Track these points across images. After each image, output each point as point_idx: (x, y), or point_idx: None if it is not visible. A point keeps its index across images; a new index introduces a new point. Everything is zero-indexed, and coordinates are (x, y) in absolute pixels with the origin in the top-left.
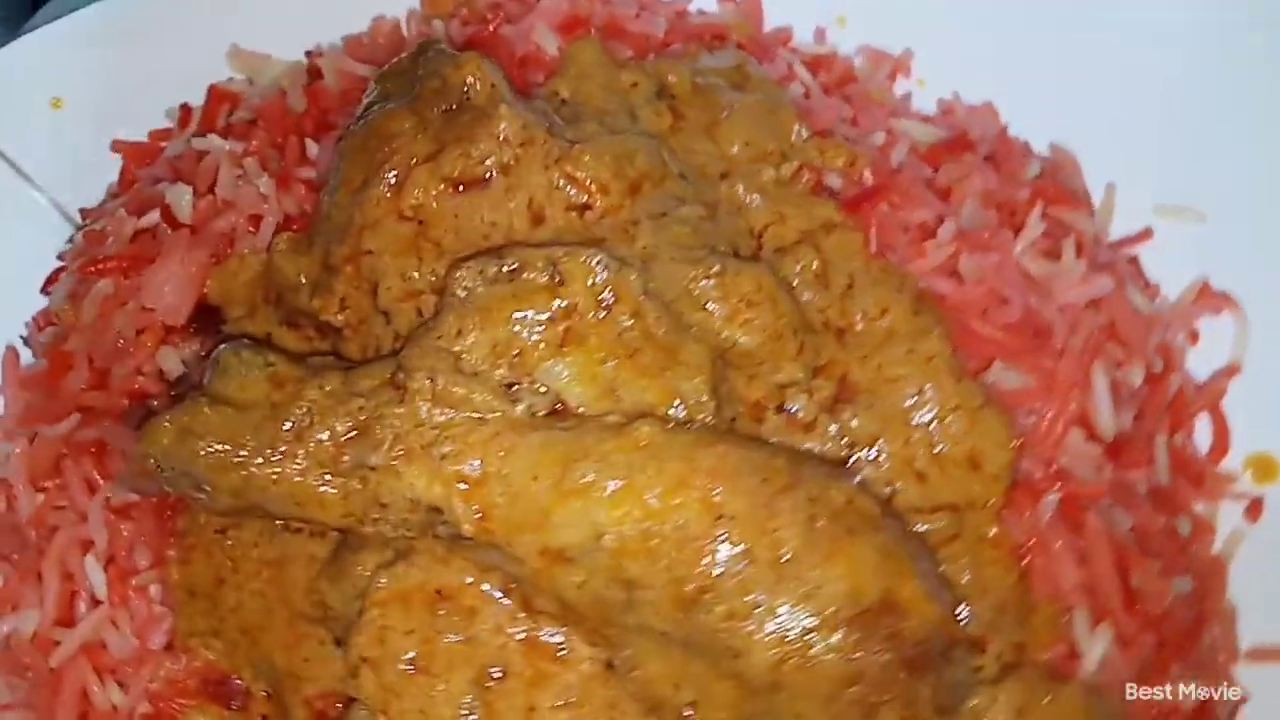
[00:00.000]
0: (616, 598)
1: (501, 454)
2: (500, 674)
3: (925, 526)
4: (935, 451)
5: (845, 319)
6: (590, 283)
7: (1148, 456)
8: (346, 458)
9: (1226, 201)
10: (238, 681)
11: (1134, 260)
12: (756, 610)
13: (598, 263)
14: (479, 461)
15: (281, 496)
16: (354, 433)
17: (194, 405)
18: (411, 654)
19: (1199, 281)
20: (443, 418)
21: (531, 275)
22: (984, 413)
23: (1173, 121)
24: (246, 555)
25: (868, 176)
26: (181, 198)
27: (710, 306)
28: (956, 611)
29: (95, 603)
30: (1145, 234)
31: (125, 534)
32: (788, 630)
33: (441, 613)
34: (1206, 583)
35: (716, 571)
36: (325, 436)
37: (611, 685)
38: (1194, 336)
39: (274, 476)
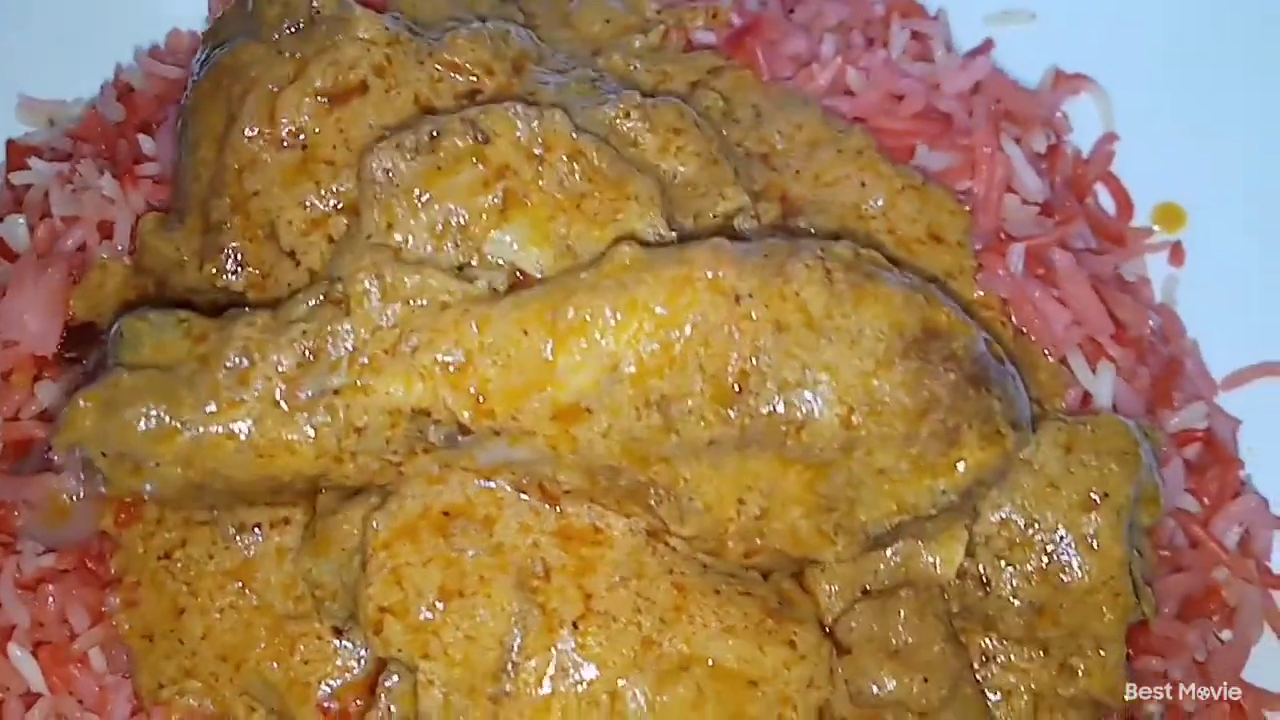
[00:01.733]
0: (652, 427)
1: (477, 329)
2: (542, 572)
3: None
4: (896, 235)
5: (765, 144)
6: (517, 136)
7: (1076, 214)
8: (303, 391)
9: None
10: None
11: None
12: (807, 372)
13: (520, 110)
14: (456, 343)
15: (240, 456)
16: (303, 362)
17: (109, 376)
18: (437, 584)
19: (1051, 69)
20: (400, 313)
21: (453, 140)
22: (929, 188)
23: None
24: (203, 573)
25: (735, 20)
26: (14, 229)
27: (641, 141)
28: None
29: (33, 700)
30: (988, 44)
31: (50, 603)
32: (846, 381)
33: (456, 532)
34: (1166, 325)
35: (753, 351)
36: (271, 374)
37: (660, 552)
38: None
39: (225, 433)
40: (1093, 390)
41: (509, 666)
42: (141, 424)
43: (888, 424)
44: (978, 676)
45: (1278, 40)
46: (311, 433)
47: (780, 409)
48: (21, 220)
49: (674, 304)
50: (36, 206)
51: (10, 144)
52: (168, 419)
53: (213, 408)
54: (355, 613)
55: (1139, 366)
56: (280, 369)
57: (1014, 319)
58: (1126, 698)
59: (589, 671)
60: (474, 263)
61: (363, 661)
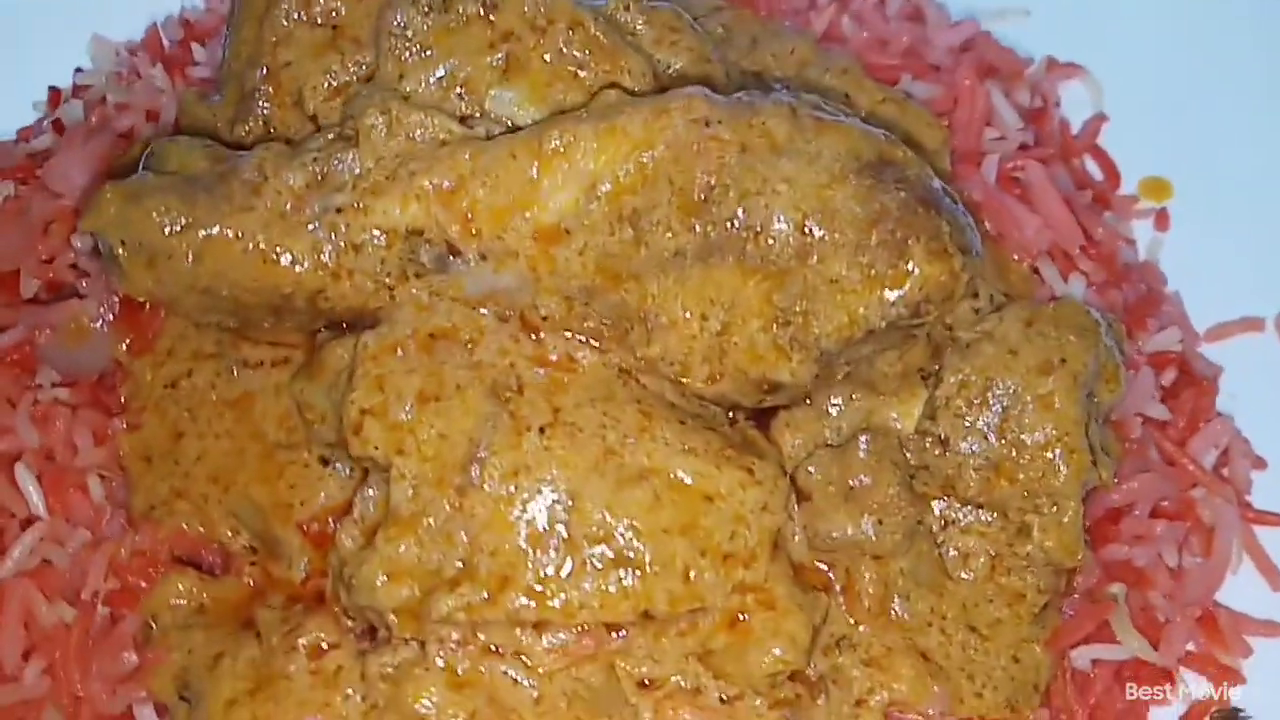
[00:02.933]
0: (624, 241)
1: (470, 159)
2: (516, 387)
3: None
4: None
5: (758, 64)
6: (524, 9)
7: (1056, 156)
8: (308, 207)
9: None
10: (214, 545)
11: None
12: (768, 183)
13: None
14: (450, 169)
15: (246, 259)
16: (311, 182)
17: (137, 176)
18: (416, 390)
19: (1044, 58)
20: (403, 145)
21: (465, 3)
22: (909, 104)
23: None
24: (204, 401)
25: None
26: (72, 110)
27: (638, 30)
28: None
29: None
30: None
31: (60, 426)
32: (804, 191)
33: (439, 351)
34: (1149, 276)
35: (719, 167)
36: (282, 189)
37: (630, 385)
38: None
39: (234, 234)
40: (1062, 295)
41: (476, 462)
42: (159, 216)
43: (840, 231)
44: (937, 541)
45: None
46: (313, 245)
47: (741, 216)
48: (79, 103)
49: (650, 128)
50: (94, 103)
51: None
52: (183, 217)
53: (226, 210)
54: (340, 428)
55: (1112, 288)
56: (290, 185)
57: (986, 224)
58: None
59: (551, 471)
60: (476, 115)
61: (344, 490)
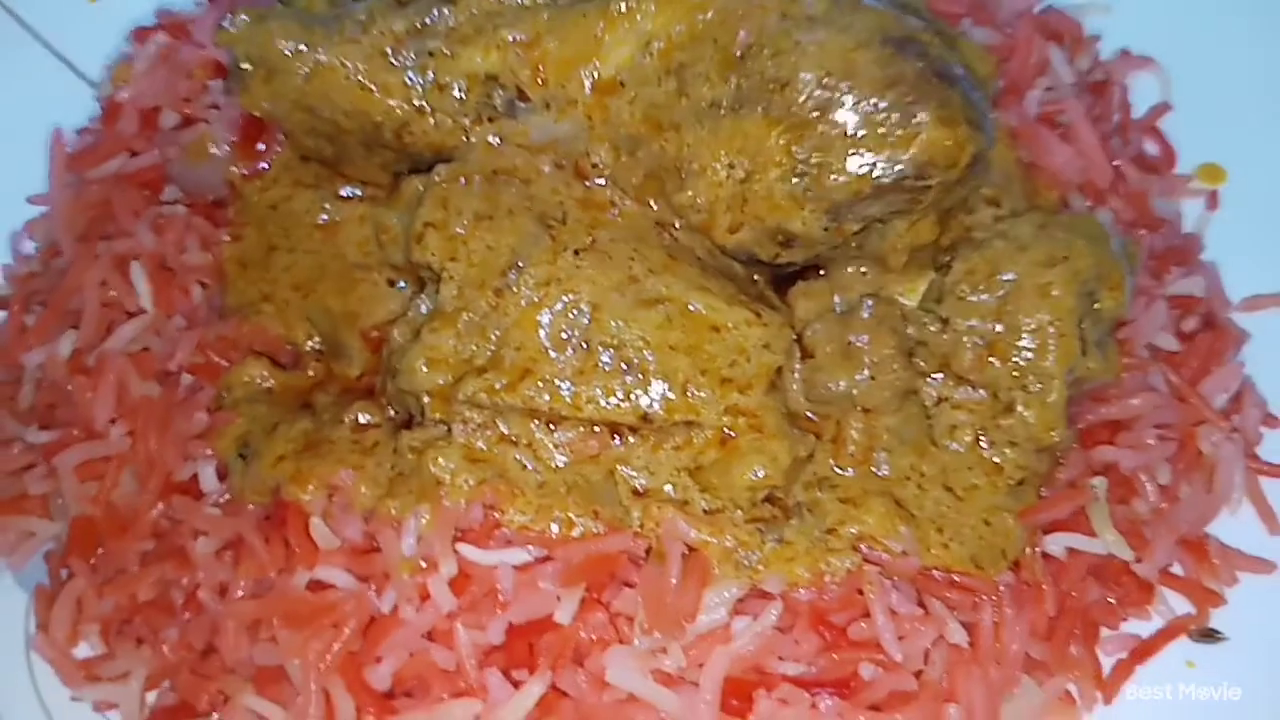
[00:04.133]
0: (668, 92)
1: (548, 18)
2: (560, 218)
3: None
4: None
5: None
6: None
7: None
8: (406, 49)
9: None
10: (287, 347)
11: None
12: (799, 44)
13: None
14: (529, 26)
15: (348, 85)
16: (411, 29)
17: (268, 6)
18: (474, 210)
19: (1118, 51)
20: (493, 4)
21: None
22: (964, 38)
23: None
24: (299, 223)
25: None
26: None
27: None
28: None
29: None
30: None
31: (173, 234)
32: (830, 52)
33: (498, 184)
34: (1185, 240)
35: (759, 29)
36: (385, 31)
37: (663, 235)
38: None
39: (340, 62)
40: None
41: (514, 270)
42: (281, 39)
43: (858, 89)
44: (928, 414)
45: None
46: (404, 83)
47: (771, 69)
48: None
49: (687, 8)
50: None
51: None
52: (301, 42)
53: (336, 41)
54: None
55: (1141, 230)
56: (393, 30)
57: (1021, 152)
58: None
59: (579, 286)
60: None
61: (404, 306)
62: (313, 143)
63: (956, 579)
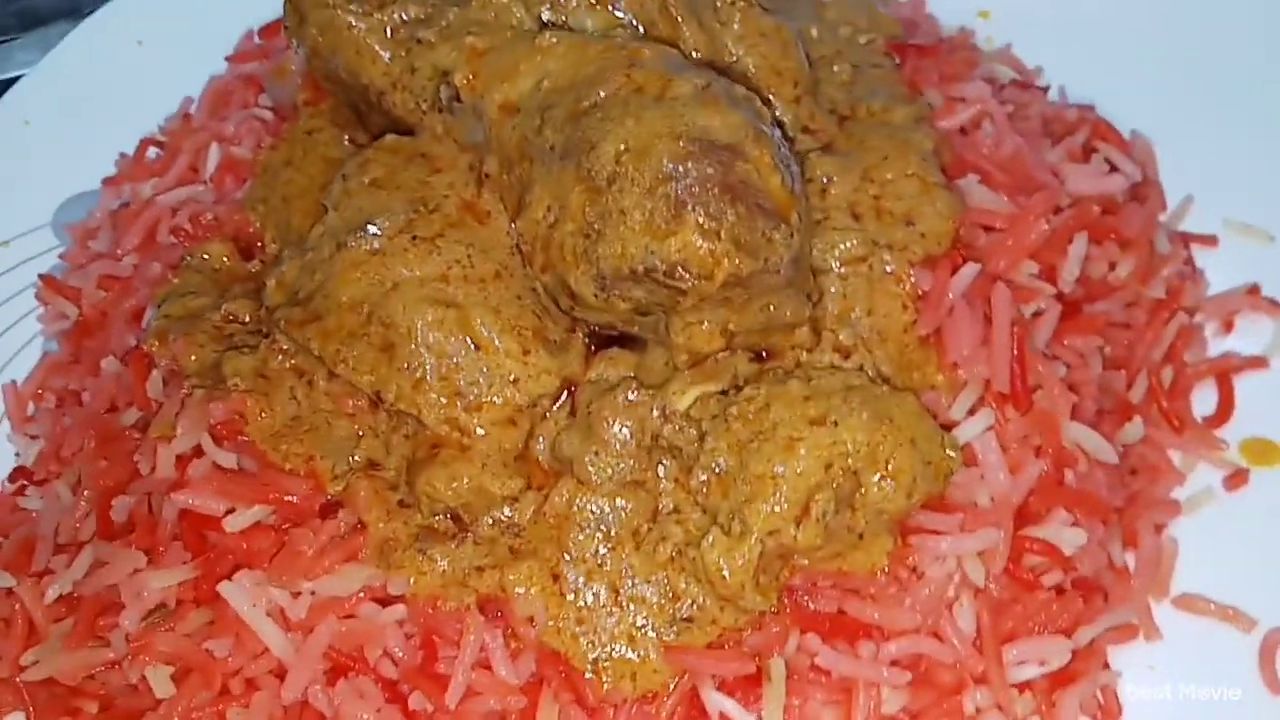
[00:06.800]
0: (535, 126)
1: (501, 37)
2: (432, 207)
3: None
4: (875, 197)
5: (847, 107)
6: None
7: (1098, 330)
8: (402, 31)
9: None
10: (258, 243)
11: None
12: (626, 115)
13: None
14: (487, 40)
15: (350, 44)
16: (416, 19)
17: None
18: (375, 175)
19: (1251, 283)
20: (487, 17)
21: None
22: (937, 190)
23: (1261, 139)
24: (314, 151)
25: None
26: None
27: (735, 27)
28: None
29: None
30: (1210, 238)
31: (249, 126)
32: (640, 132)
33: (415, 163)
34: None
35: (610, 92)
36: (395, 13)
37: (514, 258)
38: (1229, 325)
39: (350, 26)
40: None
41: (360, 233)
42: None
43: (642, 172)
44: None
45: None
46: (392, 58)
47: (591, 130)
48: None
49: (601, 51)
50: None
51: None
52: (335, 4)
53: (357, 11)
54: None
55: (1026, 448)
56: (403, 17)
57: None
58: None
59: (395, 264)
60: (556, 23)
61: None
62: (331, 89)
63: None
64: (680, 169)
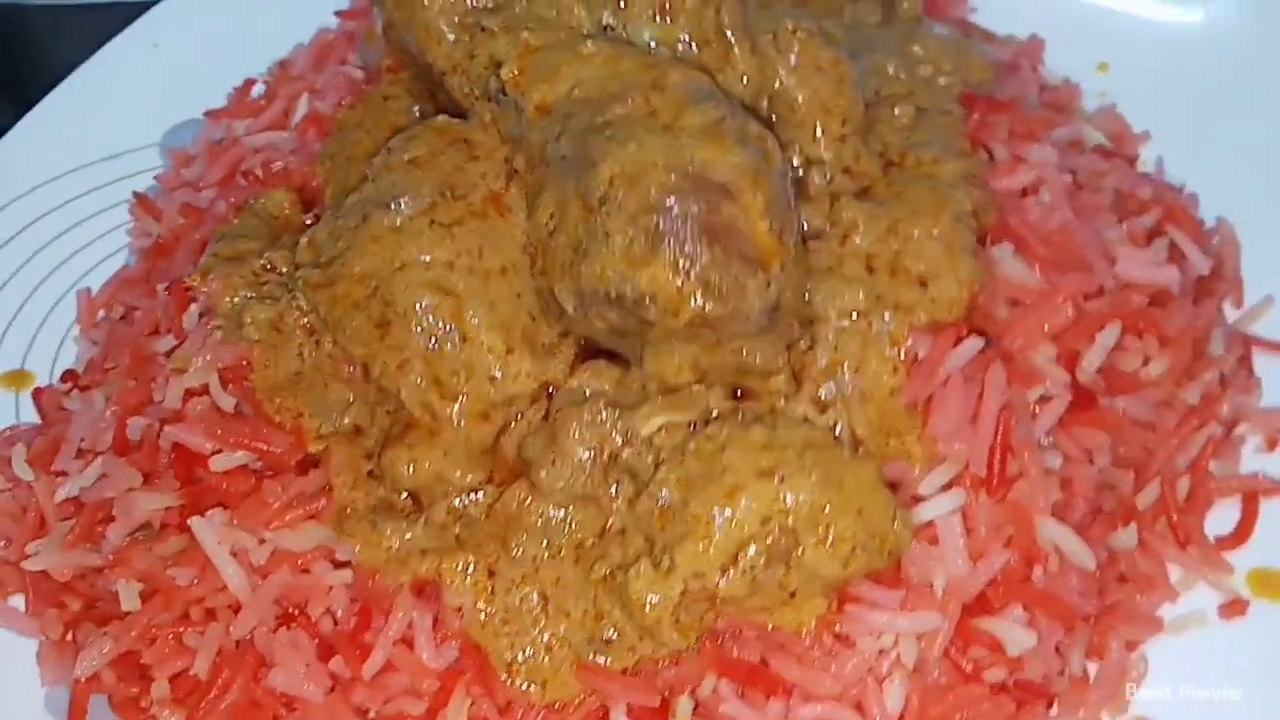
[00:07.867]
0: (551, 134)
1: (555, 39)
2: (457, 194)
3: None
4: (895, 251)
5: (898, 153)
6: None
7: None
8: (473, 19)
9: None
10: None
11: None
12: (630, 137)
13: None
14: (542, 39)
15: (420, 22)
16: (490, 6)
17: None
18: (415, 153)
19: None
20: (551, 15)
21: None
22: (960, 255)
23: None
24: (385, 116)
25: None
26: None
27: (791, 57)
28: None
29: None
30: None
31: (337, 82)
32: (639, 157)
33: (456, 147)
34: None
35: (622, 109)
36: (470, 1)
37: (526, 257)
38: (1273, 443)
39: (422, 3)
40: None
41: (387, 208)
42: None
43: (629, 198)
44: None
45: None
46: (454, 40)
47: (596, 148)
48: None
49: (633, 69)
50: None
51: None
52: None
53: None
54: None
55: (997, 537)
56: (472, 3)
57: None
58: None
59: (409, 244)
60: (616, 28)
61: None
62: (403, 60)
63: None
64: (666, 202)
